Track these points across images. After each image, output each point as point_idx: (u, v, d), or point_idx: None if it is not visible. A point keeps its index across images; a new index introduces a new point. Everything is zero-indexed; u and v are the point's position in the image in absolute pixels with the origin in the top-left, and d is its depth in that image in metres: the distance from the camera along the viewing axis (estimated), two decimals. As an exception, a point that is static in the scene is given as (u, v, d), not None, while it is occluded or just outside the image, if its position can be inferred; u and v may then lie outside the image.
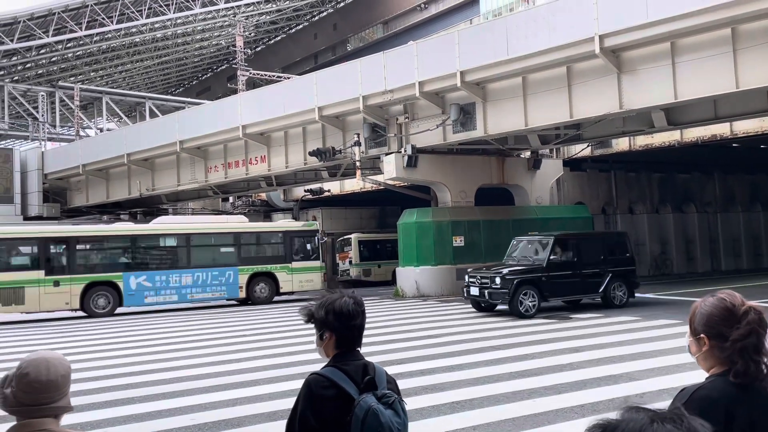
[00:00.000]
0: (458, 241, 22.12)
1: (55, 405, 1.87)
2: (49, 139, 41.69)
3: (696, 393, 1.80)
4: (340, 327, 2.21)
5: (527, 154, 24.32)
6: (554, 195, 26.00)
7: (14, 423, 1.89)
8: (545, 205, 24.49)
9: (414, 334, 12.58)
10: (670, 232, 29.31)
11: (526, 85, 18.05)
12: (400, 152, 20.67)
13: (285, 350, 11.32)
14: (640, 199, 29.05)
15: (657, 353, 9.54)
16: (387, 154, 21.02)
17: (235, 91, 37.10)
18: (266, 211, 36.47)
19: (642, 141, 23.91)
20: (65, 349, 12.62)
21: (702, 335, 1.86)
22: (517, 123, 18.39)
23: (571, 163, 26.60)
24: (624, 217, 28.30)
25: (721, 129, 21.94)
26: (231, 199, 35.04)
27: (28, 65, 44.39)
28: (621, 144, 24.53)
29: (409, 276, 22.13)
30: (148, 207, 34.68)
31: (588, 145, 24.82)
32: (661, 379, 7.84)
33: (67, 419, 2.02)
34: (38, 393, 1.84)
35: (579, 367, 8.77)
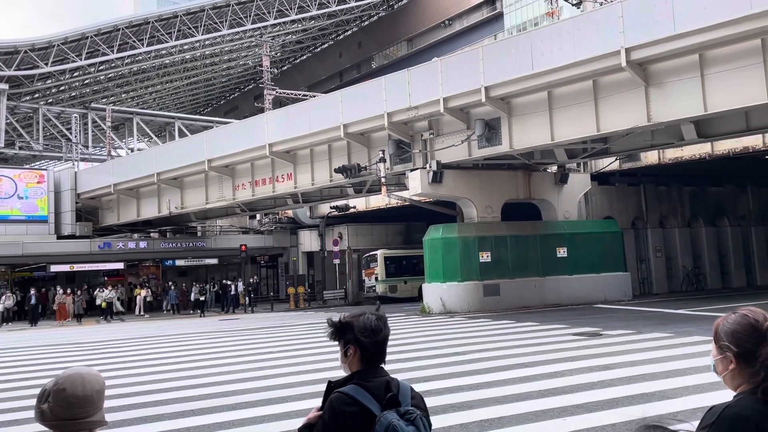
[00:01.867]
0: (485, 257, 21.94)
1: (90, 419, 1.91)
2: (82, 160, 42.70)
3: (725, 411, 1.75)
4: (363, 343, 2.23)
5: (554, 168, 24.12)
6: (582, 209, 25.69)
7: None
8: (573, 220, 24.20)
9: (440, 351, 12.46)
10: (702, 246, 28.70)
11: (552, 100, 17.95)
12: (425, 168, 20.67)
13: (310, 367, 11.31)
14: (671, 213, 28.54)
15: (690, 371, 9.29)
16: (412, 170, 21.03)
17: (261, 110, 37.67)
18: (293, 228, 36.71)
19: (672, 154, 23.54)
20: (100, 366, 12.79)
21: (728, 354, 1.81)
22: (543, 137, 18.27)
23: (599, 177, 26.28)
24: (654, 231, 27.81)
25: (754, 141, 21.50)
26: (258, 216, 35.36)
27: (62, 88, 45.67)
28: (650, 157, 24.19)
29: (435, 292, 22.00)
30: (177, 225, 35.18)
31: (616, 159, 24.53)
32: (696, 398, 7.62)
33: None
34: (74, 408, 1.89)
35: (610, 385, 8.58)
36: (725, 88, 14.67)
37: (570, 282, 22.92)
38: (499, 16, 46.34)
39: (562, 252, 23.11)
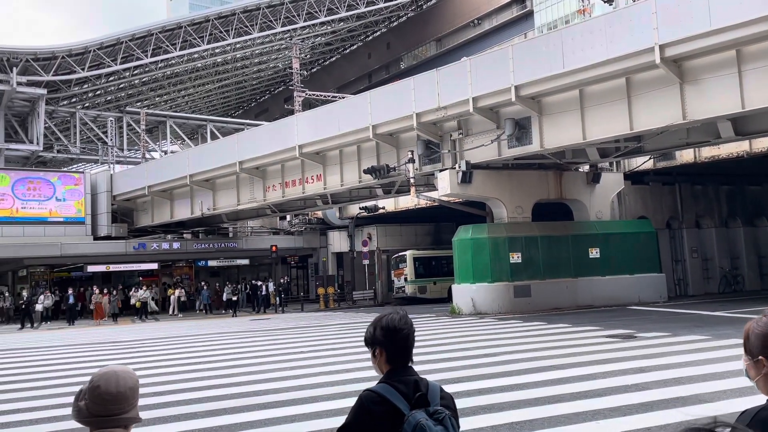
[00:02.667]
0: (515, 258, 21.74)
1: (124, 416, 1.95)
2: (117, 162, 43.66)
3: (759, 414, 1.70)
4: (386, 342, 2.28)
5: (586, 167, 23.78)
6: (615, 209, 25.27)
7: None
8: (606, 220, 23.83)
9: (471, 353, 12.38)
10: (740, 246, 27.97)
11: (584, 98, 17.71)
12: (455, 168, 20.58)
13: (340, 367, 11.35)
14: (707, 213, 27.89)
15: (728, 374, 9.06)
16: (441, 171, 20.96)
17: (291, 112, 37.99)
18: (322, 228, 36.92)
19: (708, 152, 23.00)
20: (135, 364, 13.05)
21: (761, 357, 1.76)
22: (575, 136, 18.04)
23: (633, 177, 25.82)
24: (690, 231, 27.21)
25: (794, 138, 20.88)
26: (288, 217, 35.65)
27: (98, 92, 46.75)
28: (685, 156, 23.68)
29: (465, 293, 21.88)
30: (209, 226, 35.68)
31: (650, 158, 24.07)
32: (734, 402, 7.43)
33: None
34: (108, 404, 1.93)
35: (645, 388, 8.42)
36: (764, 85, 14.28)
37: (603, 283, 22.57)
38: (529, 15, 45.89)
39: (594, 253, 22.78)
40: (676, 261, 27.03)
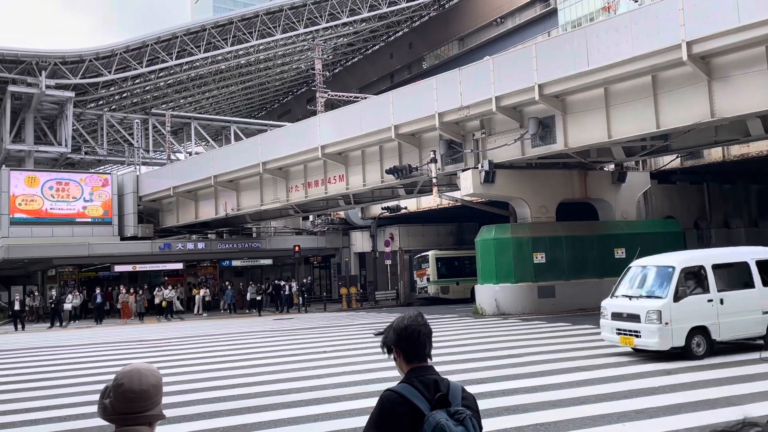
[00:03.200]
0: (539, 258, 21.55)
1: (147, 414, 1.97)
2: (143, 164, 44.27)
3: None
4: (399, 341, 2.29)
5: (611, 166, 23.48)
6: (641, 209, 24.90)
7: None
8: (632, 220, 23.49)
9: (494, 353, 12.30)
10: (771, 247, 27.35)
11: (609, 96, 17.49)
12: (477, 168, 20.47)
13: (363, 367, 11.35)
14: (736, 213, 27.34)
15: (759, 376, 8.87)
16: (464, 171, 20.87)
17: (314, 113, 38.13)
18: (344, 229, 37.02)
19: (737, 150, 22.54)
20: (160, 363, 13.22)
21: None
22: (600, 135, 17.82)
23: (659, 176, 25.42)
24: (719, 231, 26.70)
25: (827, 135, 20.34)
26: (311, 217, 35.81)
27: (125, 94, 47.49)
28: (714, 154, 23.23)
29: (488, 294, 21.75)
30: (233, 226, 36.01)
31: (677, 156, 23.67)
32: (765, 405, 7.27)
33: (158, 430, 2.10)
34: (131, 402, 1.95)
35: (672, 390, 8.28)
36: (795, 81, 13.94)
37: (628, 284, 22.22)
38: (553, 13, 45.45)
39: (620, 253, 22.47)
40: (704, 261, 26.50)
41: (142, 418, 1.96)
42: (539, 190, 21.93)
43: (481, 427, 2.24)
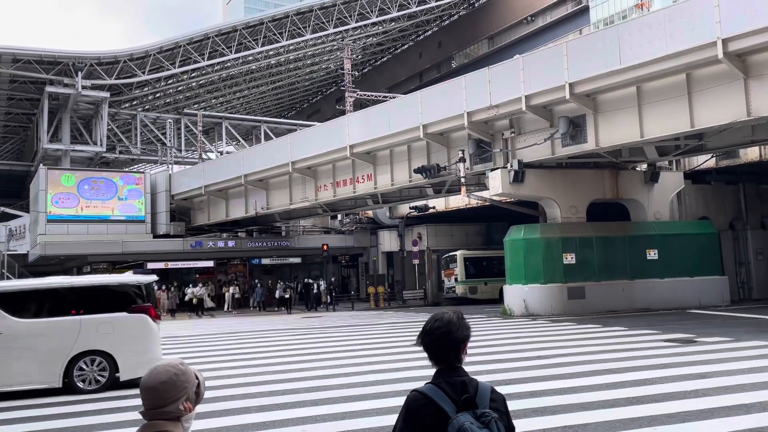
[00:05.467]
0: (569, 259, 21.30)
1: (163, 409, 2.01)
2: (176, 163, 45.04)
3: None
4: (427, 343, 2.29)
5: (643, 166, 23.10)
6: (674, 210, 24.43)
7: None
8: (665, 221, 23.07)
9: (523, 354, 12.22)
10: (810, 249, 26.58)
11: (641, 95, 17.21)
12: (506, 167, 20.33)
13: (391, 366, 11.39)
14: (774, 214, 26.61)
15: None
16: (492, 170, 20.75)
17: (343, 113, 38.31)
18: (372, 228, 37.11)
19: (775, 150, 21.97)
20: (192, 359, 13.45)
21: None
22: (632, 135, 17.55)
23: (693, 176, 24.91)
24: (755, 233, 26.05)
25: None
26: (339, 216, 35.99)
27: (158, 95, 48.35)
28: (750, 154, 22.68)
29: (516, 294, 21.59)
30: (263, 225, 36.39)
31: (712, 156, 23.17)
32: (803, 412, 7.08)
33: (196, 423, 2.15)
34: (145, 398, 2.04)
35: (705, 395, 8.12)
36: (837, 78, 13.55)
37: (661, 285, 21.86)
38: (585, 11, 44.87)
39: (652, 254, 22.10)
40: (740, 263, 25.92)
41: (162, 413, 2.00)
42: (569, 190, 21.68)
43: (513, 428, 2.24)
